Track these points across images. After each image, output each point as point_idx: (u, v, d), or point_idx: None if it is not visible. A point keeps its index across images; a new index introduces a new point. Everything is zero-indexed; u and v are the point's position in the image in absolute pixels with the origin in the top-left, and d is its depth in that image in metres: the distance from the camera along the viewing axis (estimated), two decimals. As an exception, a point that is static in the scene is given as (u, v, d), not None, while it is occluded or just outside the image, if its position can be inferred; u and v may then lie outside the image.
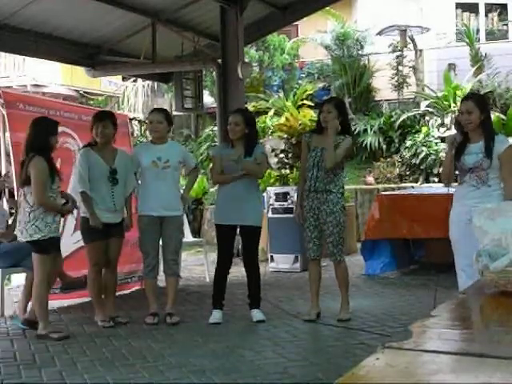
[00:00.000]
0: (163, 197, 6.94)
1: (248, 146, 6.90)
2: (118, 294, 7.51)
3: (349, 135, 6.89)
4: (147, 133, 20.30)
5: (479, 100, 5.85)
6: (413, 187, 13.45)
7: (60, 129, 8.15)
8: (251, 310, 7.00)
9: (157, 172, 6.95)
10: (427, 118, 15.94)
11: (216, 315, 6.92)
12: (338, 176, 6.72)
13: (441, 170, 14.17)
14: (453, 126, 14.68)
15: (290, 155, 15.25)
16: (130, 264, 8.53)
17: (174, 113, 15.36)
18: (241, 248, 7.36)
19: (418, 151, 14.75)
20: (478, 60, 16.85)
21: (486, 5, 19.93)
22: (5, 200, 7.40)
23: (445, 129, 15.12)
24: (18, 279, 8.00)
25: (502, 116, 14.58)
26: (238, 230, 7.03)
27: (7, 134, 7.91)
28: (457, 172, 5.92)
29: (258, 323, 6.85)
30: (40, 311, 6.46)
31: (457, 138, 5.83)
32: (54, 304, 7.45)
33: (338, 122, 6.66)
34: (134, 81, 20.26)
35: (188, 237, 9.93)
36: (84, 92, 20.62)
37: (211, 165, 7.21)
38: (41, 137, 6.41)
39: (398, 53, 17.73)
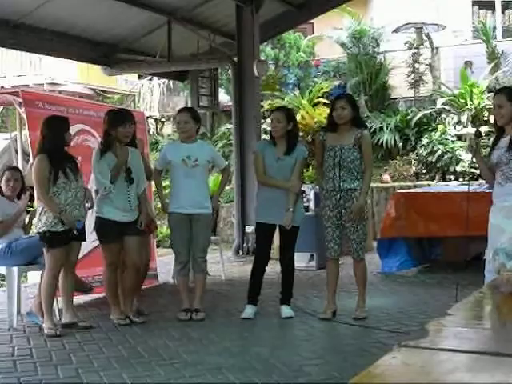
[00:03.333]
0: (192, 195, 6.98)
1: (289, 144, 6.94)
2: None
3: (364, 127, 6.91)
4: (163, 131, 20.51)
5: (511, 93, 5.69)
6: (429, 185, 13.40)
7: (80, 126, 8.22)
8: (281, 305, 7.07)
9: (186, 170, 6.98)
10: (443, 115, 15.86)
11: (249, 310, 6.99)
12: (360, 173, 6.70)
13: (457, 168, 14.18)
14: (469, 124, 14.74)
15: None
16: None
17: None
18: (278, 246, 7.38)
19: (435, 149, 14.68)
20: (494, 57, 16.75)
21: (503, 2, 19.81)
22: (23, 198, 7.45)
23: (461, 126, 15.06)
24: (35, 277, 8.03)
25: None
26: (278, 228, 7.06)
27: (24, 133, 7.95)
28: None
29: (275, 321, 6.88)
30: (44, 305, 6.55)
31: (479, 141, 5.71)
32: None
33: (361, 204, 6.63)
34: (150, 79, 20.30)
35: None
36: (100, 90, 20.68)
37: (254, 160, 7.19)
38: (54, 136, 6.51)
39: (414, 50, 17.66)
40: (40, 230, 6.50)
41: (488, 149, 6.42)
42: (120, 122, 6.82)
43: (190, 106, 13.30)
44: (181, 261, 7.12)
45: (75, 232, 6.49)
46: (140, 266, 7.11)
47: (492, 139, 6.08)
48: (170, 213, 7.13)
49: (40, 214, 6.53)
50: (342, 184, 6.65)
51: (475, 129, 12.43)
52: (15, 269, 7.03)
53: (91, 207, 6.91)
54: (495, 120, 5.79)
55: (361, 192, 6.66)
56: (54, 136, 6.52)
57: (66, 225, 6.42)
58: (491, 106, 14.52)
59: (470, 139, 5.99)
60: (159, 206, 8.24)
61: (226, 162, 7.96)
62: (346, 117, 6.66)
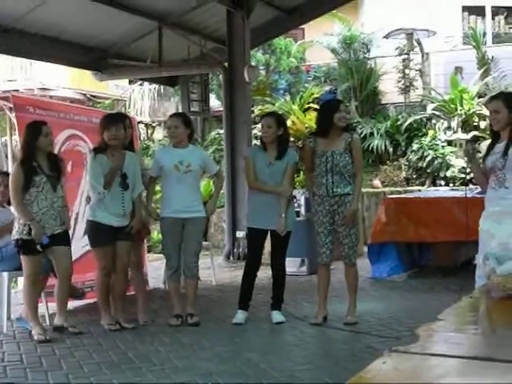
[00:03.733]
0: (186, 200, 6.96)
1: (280, 149, 6.93)
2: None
3: (353, 131, 6.98)
4: (154, 136, 20.49)
5: (507, 99, 5.64)
6: (419, 190, 13.43)
7: (71, 132, 8.19)
8: (272, 310, 7.07)
9: (179, 176, 6.94)
10: (434, 121, 15.92)
11: (240, 316, 6.98)
12: (353, 178, 6.71)
13: (447, 173, 14.23)
14: (459, 130, 14.79)
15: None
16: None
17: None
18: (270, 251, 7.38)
19: (425, 154, 14.73)
20: (484, 63, 16.82)
21: (493, 8, 19.90)
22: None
23: (451, 132, 15.11)
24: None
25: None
26: (269, 233, 7.05)
27: (15, 138, 7.94)
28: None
29: (266, 326, 6.87)
30: (28, 311, 6.54)
31: (475, 146, 5.72)
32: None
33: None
34: (141, 84, 20.28)
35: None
36: (91, 95, 20.63)
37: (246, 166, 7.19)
38: (25, 142, 6.49)
39: (405, 56, 17.71)
40: (14, 237, 6.48)
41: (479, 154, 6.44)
42: (107, 125, 6.78)
43: (180, 111, 13.29)
44: (172, 266, 7.10)
45: (38, 247, 6.36)
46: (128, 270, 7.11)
47: (482, 144, 6.10)
48: (163, 218, 7.10)
49: (15, 220, 6.54)
50: (334, 189, 6.64)
51: (466, 134, 12.48)
52: (5, 274, 7.02)
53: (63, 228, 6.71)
54: (491, 125, 5.78)
55: (353, 197, 6.68)
56: (24, 142, 6.50)
57: (32, 235, 6.34)
58: (481, 112, 14.70)
59: (466, 143, 5.97)
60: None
61: (218, 167, 7.91)
62: (348, 121, 6.72)
